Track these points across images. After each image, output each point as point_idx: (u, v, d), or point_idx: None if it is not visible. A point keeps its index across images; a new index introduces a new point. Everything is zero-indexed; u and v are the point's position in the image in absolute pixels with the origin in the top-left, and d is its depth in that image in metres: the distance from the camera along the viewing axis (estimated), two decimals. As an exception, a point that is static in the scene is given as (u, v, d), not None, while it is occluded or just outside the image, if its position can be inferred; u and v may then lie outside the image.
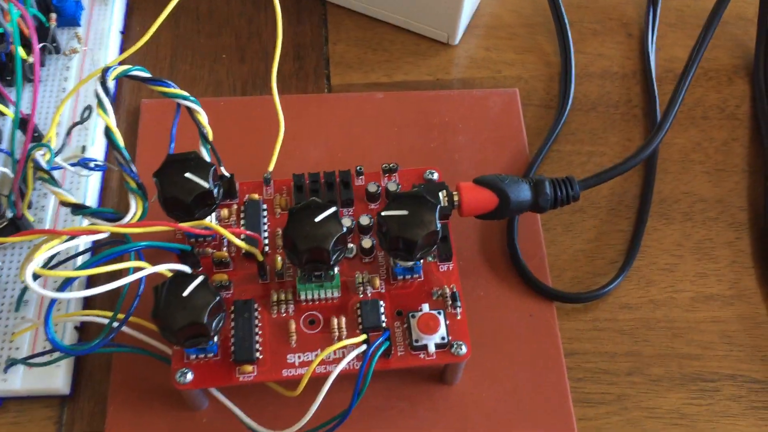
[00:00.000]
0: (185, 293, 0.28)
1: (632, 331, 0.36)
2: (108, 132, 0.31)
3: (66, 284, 0.29)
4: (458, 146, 0.41)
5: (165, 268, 0.29)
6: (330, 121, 0.41)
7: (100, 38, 0.42)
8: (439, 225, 0.30)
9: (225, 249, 0.34)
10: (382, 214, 0.31)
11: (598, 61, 0.44)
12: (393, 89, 0.43)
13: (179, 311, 0.28)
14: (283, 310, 0.32)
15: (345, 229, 0.30)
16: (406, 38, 0.45)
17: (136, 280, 0.29)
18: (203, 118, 0.34)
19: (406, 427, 0.34)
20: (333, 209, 0.30)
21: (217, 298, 0.29)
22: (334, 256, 0.30)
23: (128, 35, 0.44)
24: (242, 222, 0.34)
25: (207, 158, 0.33)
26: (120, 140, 0.31)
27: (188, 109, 0.33)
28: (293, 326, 0.32)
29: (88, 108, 0.39)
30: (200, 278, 0.29)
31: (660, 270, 0.38)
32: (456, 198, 0.34)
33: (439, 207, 0.31)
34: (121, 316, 0.30)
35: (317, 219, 0.30)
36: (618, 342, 0.36)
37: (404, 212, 0.30)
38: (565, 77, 0.43)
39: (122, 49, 0.44)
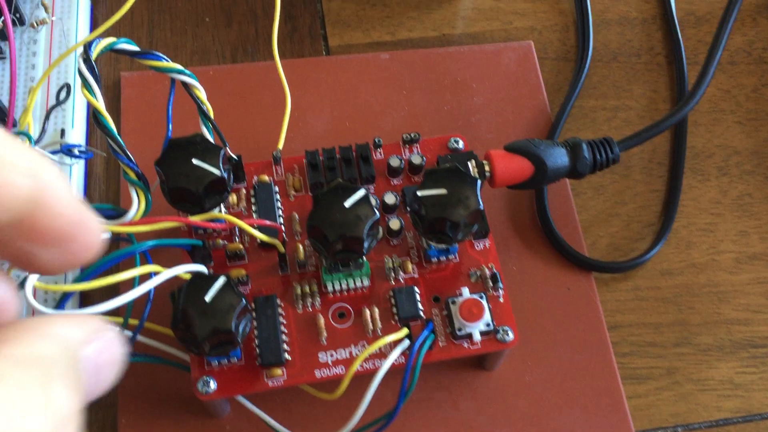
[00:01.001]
0: (208, 298, 0.25)
1: (676, 299, 0.34)
2: (97, 117, 0.27)
3: (65, 299, 0.26)
4: (474, 108, 0.38)
5: (182, 271, 0.26)
6: (333, 87, 0.38)
7: (69, 6, 0.38)
8: (481, 203, 0.27)
9: (237, 239, 0.30)
10: (419, 194, 0.27)
11: (614, 6, 0.41)
12: (398, 48, 0.39)
13: (203, 319, 0.25)
14: (309, 304, 0.29)
15: (378, 215, 0.27)
16: (405, -9, 0.41)
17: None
18: (202, 93, 0.30)
19: (448, 419, 0.31)
20: (363, 192, 0.27)
21: (243, 302, 0.25)
22: (367, 244, 0.27)
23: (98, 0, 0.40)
24: (254, 208, 0.31)
25: (210, 138, 0.30)
26: (113, 126, 0.27)
27: (184, 84, 0.30)
28: (322, 321, 0.29)
29: (65, 87, 0.35)
30: (221, 279, 0.25)
31: (699, 231, 0.36)
32: (487, 168, 0.31)
33: (479, 182, 0.28)
34: (133, 321, 0.27)
35: (347, 204, 0.27)
36: (662, 311, 0.34)
37: (442, 191, 0.27)
38: (582, 26, 0.40)
39: (93, 17, 0.39)
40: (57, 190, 0.15)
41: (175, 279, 0.26)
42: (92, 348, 0.15)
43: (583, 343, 0.33)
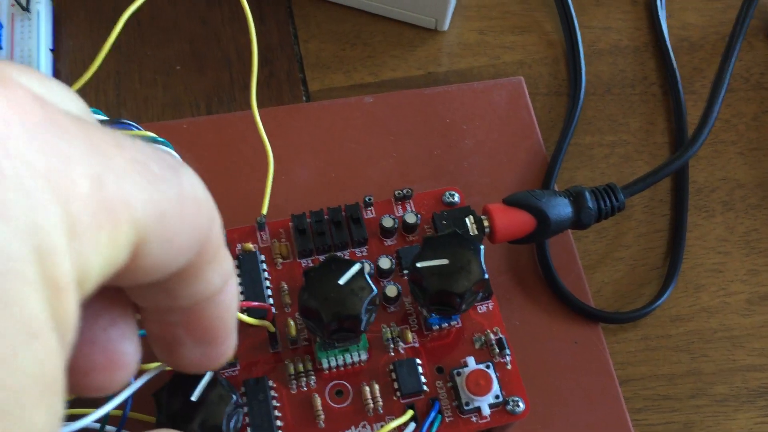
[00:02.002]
0: (194, 396, 0.23)
1: (688, 347, 0.32)
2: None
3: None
4: (466, 151, 0.36)
5: (165, 367, 0.23)
6: (315, 136, 0.36)
7: (28, 60, 0.35)
8: (486, 271, 0.25)
9: (223, 317, 0.28)
10: (418, 265, 0.25)
11: (605, 35, 0.39)
12: (381, 89, 0.37)
13: (192, 421, 0.23)
14: (303, 384, 0.27)
15: (375, 290, 0.25)
16: (386, 27, 0.39)
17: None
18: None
19: (456, 493, 0.29)
20: (358, 266, 0.25)
21: (234, 398, 0.23)
22: (365, 320, 0.25)
23: (59, 52, 0.37)
24: (239, 280, 0.28)
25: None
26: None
27: (157, 151, 0.27)
28: (318, 402, 0.27)
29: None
30: (208, 375, 0.23)
31: (707, 272, 0.34)
32: (486, 224, 0.29)
33: (482, 249, 0.26)
34: (116, 412, 0.24)
35: (342, 281, 0.25)
36: (675, 361, 0.32)
37: (444, 261, 0.25)
38: (573, 58, 0.38)
39: (55, 70, 0.37)
40: (231, 299, 0.18)
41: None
42: None
43: (594, 400, 0.31)
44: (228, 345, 0.18)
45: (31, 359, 0.11)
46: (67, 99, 0.15)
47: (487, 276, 0.25)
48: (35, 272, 0.11)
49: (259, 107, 0.31)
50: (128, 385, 0.22)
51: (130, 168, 0.13)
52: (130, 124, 0.27)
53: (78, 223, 0.12)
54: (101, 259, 0.13)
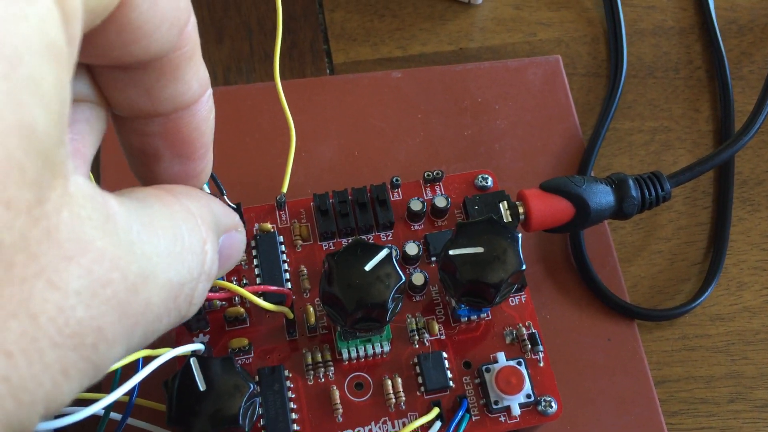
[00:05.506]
0: (204, 387, 0.21)
1: (728, 348, 0.31)
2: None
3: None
4: (498, 132, 0.34)
5: (176, 354, 0.22)
6: (339, 111, 0.34)
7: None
8: (524, 263, 0.24)
9: (237, 301, 0.26)
10: (451, 253, 0.23)
11: (648, 15, 0.37)
12: (410, 64, 0.35)
13: (203, 413, 0.21)
14: (321, 375, 0.25)
15: (404, 278, 0.23)
16: (416, -1, 0.37)
17: (131, 363, 0.22)
18: (194, 132, 0.26)
19: (479, 495, 0.28)
20: (385, 252, 0.23)
21: (251, 387, 0.22)
22: (391, 310, 0.23)
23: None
24: (255, 262, 0.27)
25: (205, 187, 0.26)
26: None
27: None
28: (337, 395, 0.25)
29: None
30: (224, 360, 0.22)
31: (751, 269, 0.32)
32: (521, 210, 0.27)
33: (520, 237, 0.24)
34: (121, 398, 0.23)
35: (368, 267, 0.23)
36: (714, 363, 0.30)
37: (478, 249, 0.23)
38: (614, 37, 0.36)
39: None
40: (209, 110, 0.18)
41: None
42: (227, 237, 0.18)
43: (628, 401, 0.29)
44: (206, 162, 0.19)
45: (34, 18, 0.11)
46: None
47: (524, 267, 0.24)
48: None
49: (280, 79, 0.29)
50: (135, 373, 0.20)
51: None
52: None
53: None
54: None
